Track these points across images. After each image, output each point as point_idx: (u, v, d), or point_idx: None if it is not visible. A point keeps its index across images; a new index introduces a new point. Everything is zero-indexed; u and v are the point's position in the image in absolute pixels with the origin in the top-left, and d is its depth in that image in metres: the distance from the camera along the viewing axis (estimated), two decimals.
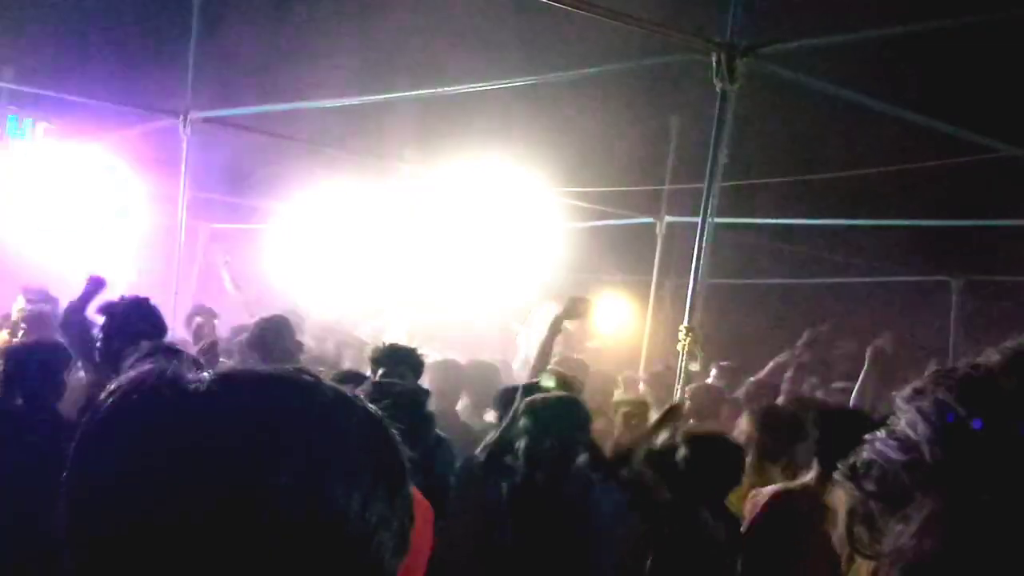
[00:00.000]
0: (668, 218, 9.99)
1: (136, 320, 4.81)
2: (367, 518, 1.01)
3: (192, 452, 0.98)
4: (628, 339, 10.99)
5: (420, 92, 7.79)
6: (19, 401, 4.48)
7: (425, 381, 5.62)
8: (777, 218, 10.69)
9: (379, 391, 3.90)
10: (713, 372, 7.83)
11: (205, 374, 1.02)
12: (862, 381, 6.94)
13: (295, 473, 0.98)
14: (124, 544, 0.98)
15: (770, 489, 4.46)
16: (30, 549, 3.56)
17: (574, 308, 6.78)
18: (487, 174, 10.14)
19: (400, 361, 5.45)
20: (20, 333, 6.91)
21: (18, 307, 7.62)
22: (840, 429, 3.96)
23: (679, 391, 7.64)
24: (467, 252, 10.16)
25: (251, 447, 0.98)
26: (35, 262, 11.11)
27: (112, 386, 1.04)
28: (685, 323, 7.73)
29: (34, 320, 6.77)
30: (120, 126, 10.04)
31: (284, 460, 0.98)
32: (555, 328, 6.53)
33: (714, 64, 5.60)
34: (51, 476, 1.08)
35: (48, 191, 11.07)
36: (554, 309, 8.19)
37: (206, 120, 8.15)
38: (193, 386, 1.01)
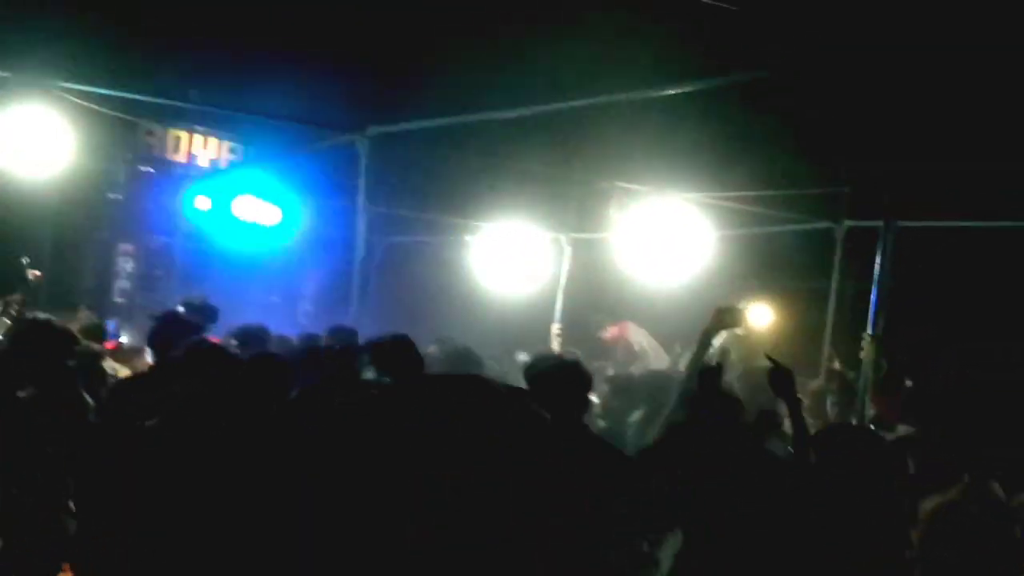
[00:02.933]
0: (848, 222, 9.69)
1: None
2: None
3: None
4: (804, 348, 10.71)
5: (593, 100, 7.73)
6: None
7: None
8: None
9: None
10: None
11: None
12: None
13: None
14: None
15: None
16: None
17: (723, 319, 6.60)
18: (657, 182, 10.05)
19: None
20: None
21: None
22: None
23: (864, 402, 7.41)
24: (641, 264, 10.04)
25: None
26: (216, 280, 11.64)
27: None
28: (869, 331, 7.51)
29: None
30: (300, 143, 10.36)
31: None
32: (705, 341, 6.35)
33: None
34: None
35: (232, 208, 11.53)
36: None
37: (384, 136, 8.30)
38: None
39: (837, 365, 8.44)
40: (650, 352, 10.22)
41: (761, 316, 10.75)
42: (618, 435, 5.66)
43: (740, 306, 7.59)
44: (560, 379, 4.85)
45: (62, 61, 8.46)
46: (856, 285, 9.04)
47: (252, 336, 6.58)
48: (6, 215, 10.94)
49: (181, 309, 7.73)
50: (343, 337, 6.98)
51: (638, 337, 9.66)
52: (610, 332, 9.94)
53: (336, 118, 8.82)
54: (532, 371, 4.91)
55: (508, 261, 11.28)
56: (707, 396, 4.94)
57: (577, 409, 4.84)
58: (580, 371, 4.95)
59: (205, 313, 7.48)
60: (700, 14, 9.36)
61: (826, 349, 9.67)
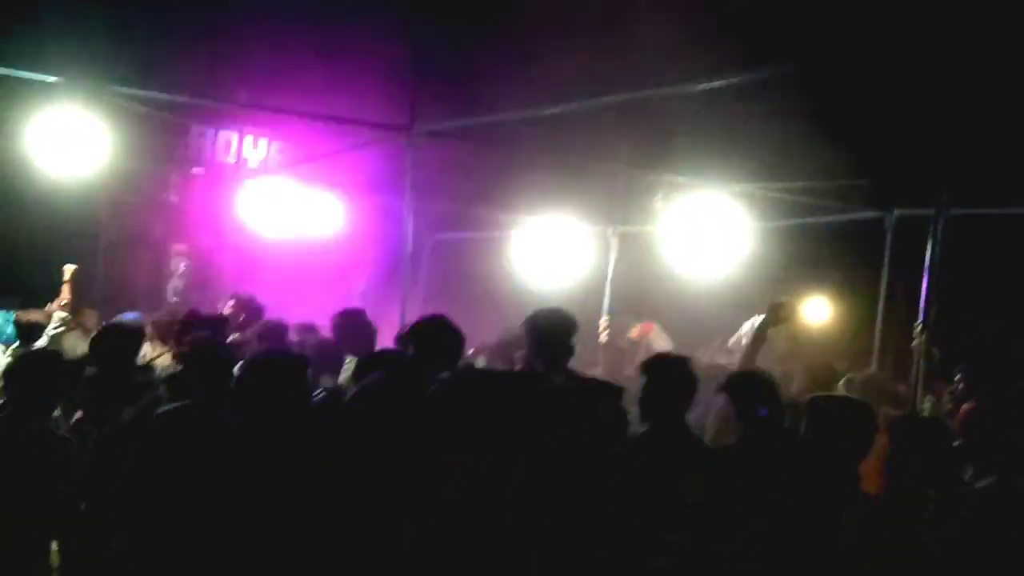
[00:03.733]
0: (898, 211, 9.59)
1: None
2: None
3: None
4: (855, 339, 10.62)
5: (637, 94, 7.73)
6: None
7: None
8: None
9: None
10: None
11: None
12: None
13: None
14: None
15: None
16: None
17: (776, 314, 6.56)
18: (703, 174, 10.01)
19: None
20: None
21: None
22: None
23: (918, 392, 7.34)
24: (687, 256, 10.01)
25: None
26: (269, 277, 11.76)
27: None
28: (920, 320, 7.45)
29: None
30: (347, 142, 10.44)
31: None
32: (759, 337, 6.32)
33: None
34: None
35: (281, 208, 11.64)
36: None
37: (429, 134, 8.34)
38: None
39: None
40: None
41: (816, 311, 10.66)
42: None
43: (794, 301, 7.58)
44: (669, 377, 4.82)
45: (113, 65, 8.59)
46: (907, 275, 8.94)
47: (270, 332, 6.69)
48: (61, 218, 11.15)
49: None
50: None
51: (660, 341, 9.65)
52: (635, 332, 9.92)
53: (383, 117, 8.86)
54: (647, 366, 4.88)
55: (555, 256, 11.30)
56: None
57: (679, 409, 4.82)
58: (687, 370, 4.91)
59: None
60: (745, 2, 9.32)
61: (876, 340, 9.59)
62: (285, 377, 4.64)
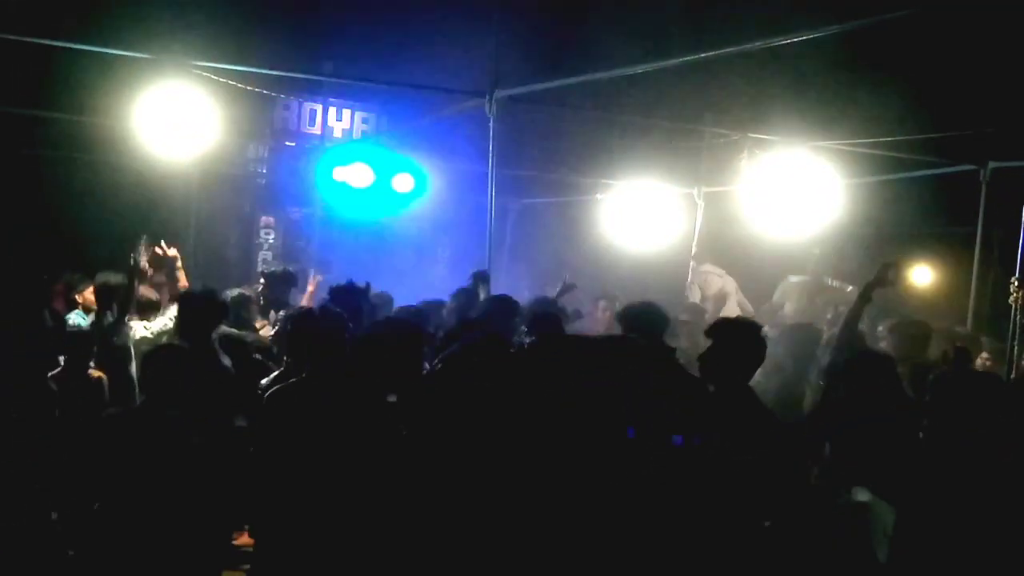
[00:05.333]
0: (993, 163, 9.35)
1: None
2: None
3: None
4: (951, 296, 10.43)
5: (721, 52, 7.59)
6: None
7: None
8: None
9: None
10: None
11: None
12: None
13: None
14: None
15: None
16: None
17: (885, 275, 6.43)
18: (790, 131, 9.86)
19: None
20: None
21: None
22: None
23: (1014, 349, 7.17)
24: (773, 215, 9.88)
25: None
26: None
27: None
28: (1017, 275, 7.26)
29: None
30: (430, 110, 10.50)
31: None
32: (865, 297, 6.21)
33: None
34: None
35: (367, 178, 11.76)
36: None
37: (511, 98, 8.33)
38: None
39: None
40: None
41: (921, 273, 10.46)
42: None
43: (902, 262, 7.43)
44: (736, 338, 4.77)
45: (200, 41, 8.74)
46: (1003, 230, 8.71)
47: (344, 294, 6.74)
48: (153, 193, 11.41)
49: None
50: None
51: (731, 302, 9.67)
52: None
53: (465, 83, 8.89)
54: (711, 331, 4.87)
55: (641, 218, 11.25)
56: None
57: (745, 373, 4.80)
58: (755, 332, 4.86)
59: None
60: None
61: (972, 297, 9.40)
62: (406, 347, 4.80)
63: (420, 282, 10.54)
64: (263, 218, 14.01)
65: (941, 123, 10.01)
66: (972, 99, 10.03)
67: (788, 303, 9.84)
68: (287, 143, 13.63)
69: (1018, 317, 7.22)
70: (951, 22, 8.94)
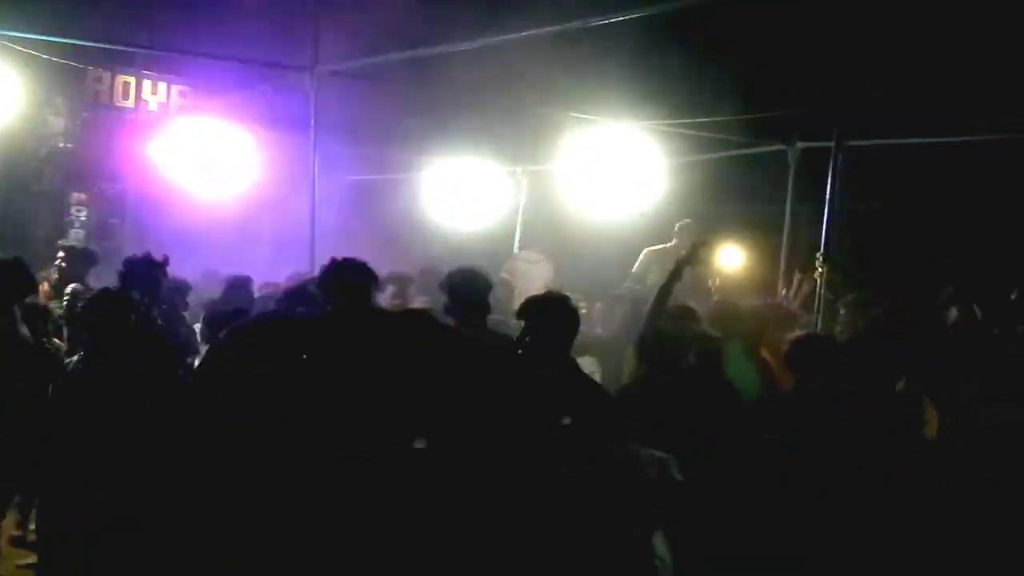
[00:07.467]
0: (801, 144, 9.74)
1: None
2: None
3: None
4: (761, 272, 10.80)
5: (542, 30, 7.67)
6: None
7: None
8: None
9: None
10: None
11: None
12: None
13: None
14: None
15: None
16: None
17: (696, 253, 6.59)
18: (611, 111, 10.04)
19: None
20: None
21: None
22: None
23: (817, 320, 7.53)
24: (595, 193, 10.05)
25: None
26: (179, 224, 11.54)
27: None
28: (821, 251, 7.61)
29: None
30: (251, 84, 10.26)
31: None
32: (675, 275, 6.37)
33: None
34: None
35: (184, 152, 11.37)
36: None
37: (332, 73, 8.22)
38: None
39: None
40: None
41: (732, 254, 10.76)
42: None
43: (713, 241, 7.66)
44: (550, 313, 4.88)
45: (4, 8, 8.28)
46: (811, 208, 9.10)
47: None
48: None
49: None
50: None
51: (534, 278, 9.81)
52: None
53: (285, 57, 8.71)
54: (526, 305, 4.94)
55: (466, 195, 11.29)
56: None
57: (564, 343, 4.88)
58: (569, 306, 4.96)
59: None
60: None
61: (782, 272, 9.78)
62: None
63: (244, 262, 10.28)
64: (75, 195, 13.39)
65: (756, 104, 10.38)
66: (783, 80, 10.43)
67: (650, 275, 9.97)
68: (98, 116, 13.05)
69: (823, 291, 7.60)
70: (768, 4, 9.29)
